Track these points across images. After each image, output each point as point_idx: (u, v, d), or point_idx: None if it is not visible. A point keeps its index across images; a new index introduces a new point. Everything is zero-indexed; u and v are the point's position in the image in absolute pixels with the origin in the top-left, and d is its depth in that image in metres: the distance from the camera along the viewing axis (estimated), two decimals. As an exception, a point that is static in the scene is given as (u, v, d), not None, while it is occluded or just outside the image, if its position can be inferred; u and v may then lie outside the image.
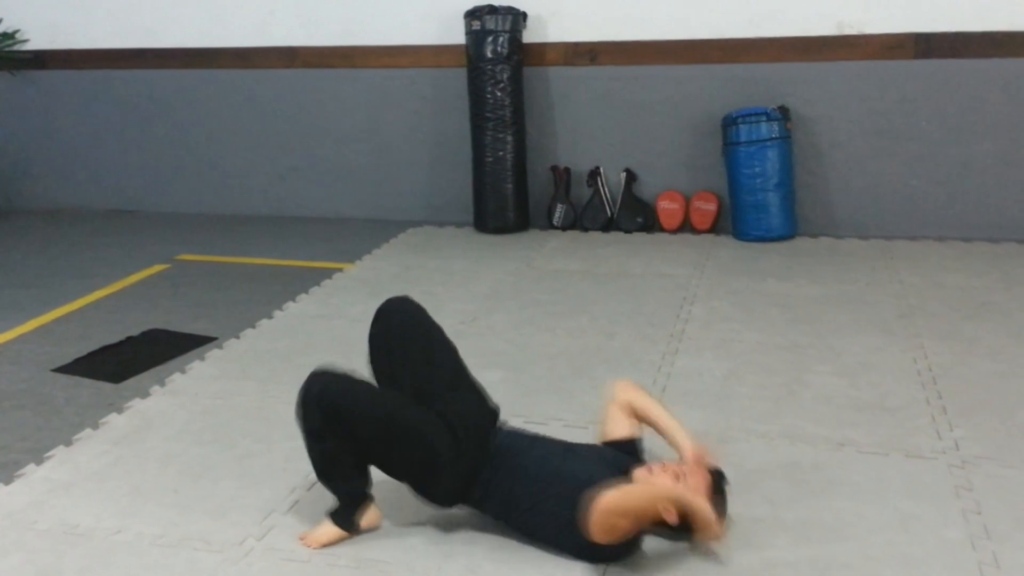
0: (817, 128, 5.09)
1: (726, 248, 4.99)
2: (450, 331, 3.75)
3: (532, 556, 2.30)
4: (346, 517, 2.34)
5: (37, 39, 6.08)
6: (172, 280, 4.75)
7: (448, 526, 2.43)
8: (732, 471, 2.67)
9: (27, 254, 5.32)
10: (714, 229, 5.27)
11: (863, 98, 5.00)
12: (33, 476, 2.76)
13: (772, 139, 4.95)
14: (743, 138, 4.97)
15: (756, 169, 4.97)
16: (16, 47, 6.08)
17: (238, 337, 3.87)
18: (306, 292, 4.41)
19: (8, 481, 2.73)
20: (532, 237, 5.31)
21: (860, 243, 5.02)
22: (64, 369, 3.59)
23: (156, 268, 4.94)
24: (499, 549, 2.33)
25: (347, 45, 5.60)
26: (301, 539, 2.36)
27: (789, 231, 5.08)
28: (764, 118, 4.95)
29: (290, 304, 4.27)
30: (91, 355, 3.73)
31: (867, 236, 5.10)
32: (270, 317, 4.11)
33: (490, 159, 5.26)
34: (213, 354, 3.70)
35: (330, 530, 2.33)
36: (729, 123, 5.03)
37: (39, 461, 2.85)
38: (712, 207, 5.25)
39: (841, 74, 5.00)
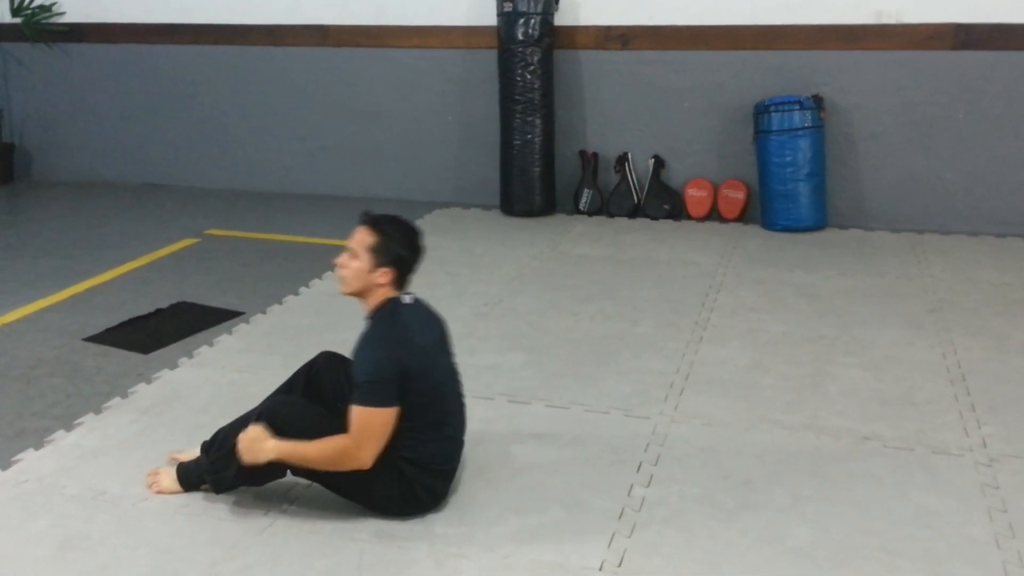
0: (851, 118, 5.03)
1: (754, 237, 4.95)
2: (473, 313, 3.81)
3: (550, 536, 2.32)
4: (195, 484, 2.47)
5: (73, 12, 6.14)
6: (201, 254, 4.79)
7: (468, 508, 2.44)
8: (754, 461, 2.68)
9: (60, 226, 5.38)
10: (742, 218, 5.23)
11: (899, 89, 4.93)
12: (63, 442, 2.81)
13: (805, 128, 4.89)
14: (775, 126, 4.92)
15: (787, 158, 4.92)
16: (53, 19, 6.14)
17: (265, 312, 3.91)
18: (332, 270, 4.43)
19: (39, 446, 2.78)
20: (558, 221, 5.30)
21: (891, 236, 4.96)
22: (95, 339, 3.64)
23: (186, 242, 4.98)
24: (518, 528, 2.35)
25: (377, 24, 5.61)
26: (150, 475, 2.52)
27: (819, 222, 5.03)
28: (797, 107, 4.89)
29: (316, 281, 4.30)
30: (121, 326, 3.78)
31: (898, 229, 5.04)
32: (296, 293, 4.14)
33: (518, 142, 5.24)
34: (240, 328, 3.73)
35: (175, 487, 2.48)
36: (761, 111, 4.98)
37: (69, 428, 2.90)
38: (741, 196, 5.21)
39: (878, 64, 4.93)
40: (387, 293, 2.37)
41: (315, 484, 2.41)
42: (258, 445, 2.26)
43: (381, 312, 2.36)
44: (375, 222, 2.37)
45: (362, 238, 2.35)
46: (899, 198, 5.06)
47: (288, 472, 2.35)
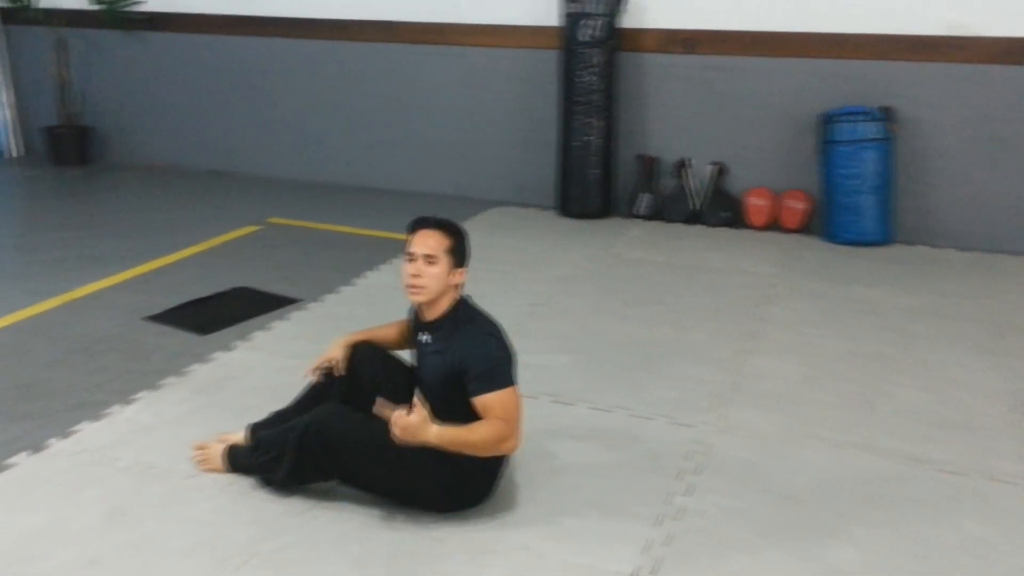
0: (922, 131, 4.89)
1: (815, 250, 4.86)
2: (522, 312, 3.82)
3: (585, 539, 2.31)
4: (243, 472, 2.49)
5: (152, 1, 6.32)
6: (262, 241, 4.90)
7: (504, 505, 2.45)
8: (800, 477, 2.63)
9: (129, 208, 5.56)
10: (804, 229, 5.13)
11: (973, 103, 4.78)
12: (119, 416, 2.90)
13: (872, 140, 4.78)
14: (841, 137, 4.81)
15: (853, 170, 4.81)
16: (132, 8, 6.34)
17: (319, 301, 3.97)
18: (387, 262, 4.49)
19: (96, 419, 2.88)
20: (614, 224, 5.27)
21: (959, 254, 4.82)
22: (156, 318, 3.75)
23: (248, 229, 5.10)
24: (552, 528, 2.35)
25: (443, 22, 5.65)
26: (198, 450, 2.59)
27: (884, 236, 4.90)
28: (865, 117, 4.78)
29: (370, 273, 4.36)
30: (182, 307, 3.88)
31: (967, 248, 4.89)
32: (351, 284, 4.20)
33: (577, 143, 5.23)
34: (295, 315, 3.80)
35: (221, 466, 2.53)
36: (828, 121, 4.88)
37: (125, 402, 2.99)
38: (803, 206, 5.12)
39: (952, 76, 4.78)
40: (455, 295, 2.38)
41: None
42: (419, 432, 2.17)
43: (460, 313, 2.36)
44: (444, 225, 2.37)
45: (437, 242, 2.32)
46: (969, 216, 4.91)
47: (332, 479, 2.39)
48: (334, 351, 2.53)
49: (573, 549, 2.27)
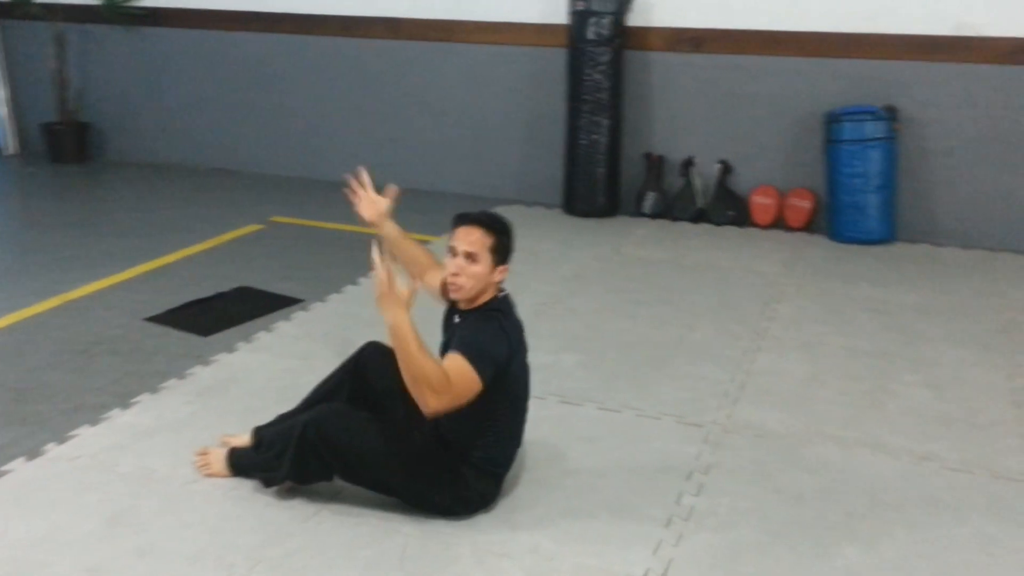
0: (926, 131, 4.87)
1: (819, 248, 4.84)
2: (529, 312, 3.78)
3: (595, 540, 2.29)
4: (245, 473, 2.48)
5: (153, -4, 6.29)
6: (265, 240, 4.87)
7: (513, 507, 2.43)
8: (808, 476, 2.61)
9: (129, 206, 5.52)
10: (808, 228, 5.11)
11: (978, 103, 4.76)
12: (118, 420, 2.86)
13: (877, 139, 4.76)
14: (846, 136, 4.79)
15: (857, 169, 4.79)
16: (132, 2, 6.29)
17: (323, 301, 3.95)
18: (393, 261, 4.45)
19: (94, 423, 2.84)
20: (620, 223, 5.25)
21: (962, 253, 4.80)
22: (156, 319, 3.72)
23: (251, 228, 5.07)
24: (562, 530, 2.33)
25: (449, 19, 5.62)
26: (200, 455, 2.56)
27: (887, 235, 4.89)
28: (870, 117, 4.76)
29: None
30: (183, 307, 3.85)
31: (970, 246, 4.87)
32: (355, 283, 4.18)
33: (584, 142, 5.21)
34: (298, 316, 3.78)
35: (225, 471, 2.51)
36: (833, 120, 4.85)
37: (125, 406, 2.96)
38: (808, 205, 5.09)
39: (956, 77, 4.76)
40: (495, 289, 2.34)
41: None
42: (387, 303, 2.15)
43: (492, 305, 2.33)
44: (489, 221, 2.31)
45: (480, 240, 2.26)
46: (972, 215, 4.89)
47: (334, 477, 2.36)
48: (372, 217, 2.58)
49: (583, 551, 2.25)
